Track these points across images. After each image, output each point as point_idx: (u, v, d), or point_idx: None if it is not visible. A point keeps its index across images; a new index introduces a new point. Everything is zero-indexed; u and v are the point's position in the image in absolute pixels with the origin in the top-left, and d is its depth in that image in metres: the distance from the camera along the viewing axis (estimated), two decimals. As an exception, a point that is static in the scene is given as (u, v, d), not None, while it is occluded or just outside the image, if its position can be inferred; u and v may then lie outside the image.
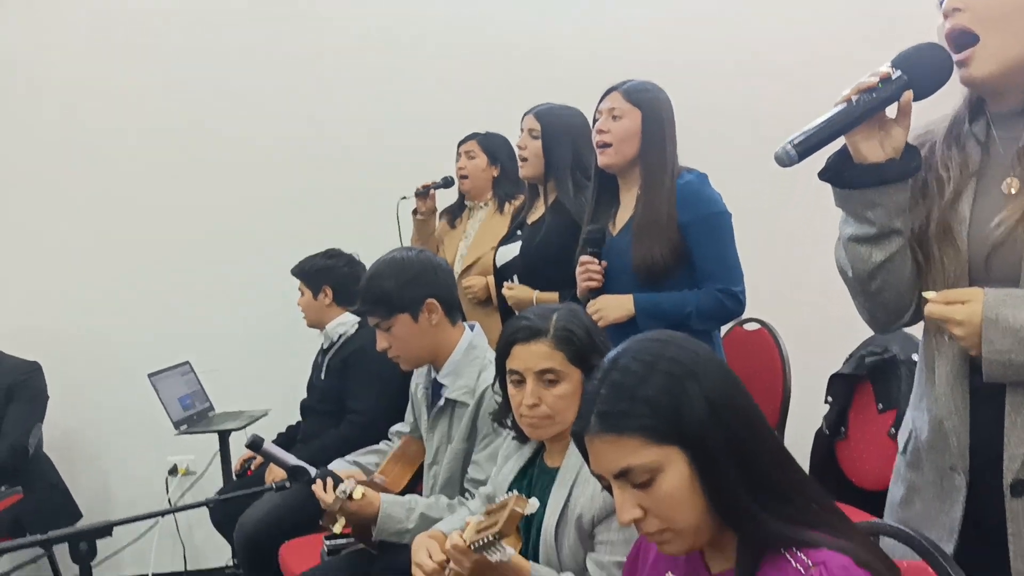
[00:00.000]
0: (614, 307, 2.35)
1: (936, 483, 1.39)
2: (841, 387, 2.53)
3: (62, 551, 3.93)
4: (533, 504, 1.60)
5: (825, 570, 1.04)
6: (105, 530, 2.00)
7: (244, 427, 3.64)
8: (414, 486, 2.43)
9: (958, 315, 1.24)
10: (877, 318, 1.45)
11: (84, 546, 1.96)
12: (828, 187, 1.39)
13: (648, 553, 1.35)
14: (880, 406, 2.39)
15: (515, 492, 1.63)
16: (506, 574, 1.67)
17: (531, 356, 1.78)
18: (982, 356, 1.23)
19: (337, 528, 2.17)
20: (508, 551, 1.60)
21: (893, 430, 2.32)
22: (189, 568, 4.03)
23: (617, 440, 1.13)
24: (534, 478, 1.91)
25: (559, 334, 1.78)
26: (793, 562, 1.07)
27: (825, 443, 2.36)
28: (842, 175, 1.34)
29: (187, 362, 3.84)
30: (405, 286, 2.27)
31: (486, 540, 1.57)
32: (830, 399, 2.45)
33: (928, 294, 1.29)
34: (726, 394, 1.14)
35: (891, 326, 1.45)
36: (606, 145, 2.40)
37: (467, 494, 2.26)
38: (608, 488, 1.20)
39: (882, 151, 1.32)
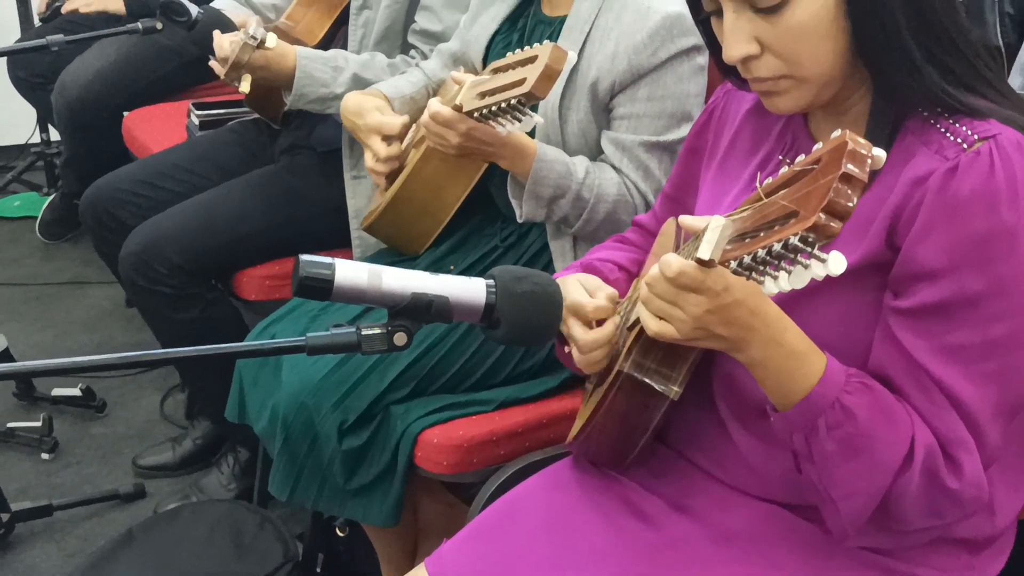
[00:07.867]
0: None
1: None
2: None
3: None
4: (572, 58, 1.27)
5: (996, 146, 0.84)
6: None
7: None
8: (336, 41, 1.82)
9: None
10: None
11: None
12: None
13: (723, 126, 1.08)
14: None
15: (549, 41, 1.27)
16: (504, 153, 1.37)
17: None
18: None
19: (244, 87, 1.60)
20: (535, 119, 1.29)
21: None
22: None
23: None
24: (527, 31, 1.50)
25: None
26: (949, 134, 0.87)
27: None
28: None
29: None
30: None
31: (509, 104, 1.24)
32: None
33: None
34: None
35: None
36: None
37: (414, 52, 1.73)
38: (706, 18, 0.94)
39: None
